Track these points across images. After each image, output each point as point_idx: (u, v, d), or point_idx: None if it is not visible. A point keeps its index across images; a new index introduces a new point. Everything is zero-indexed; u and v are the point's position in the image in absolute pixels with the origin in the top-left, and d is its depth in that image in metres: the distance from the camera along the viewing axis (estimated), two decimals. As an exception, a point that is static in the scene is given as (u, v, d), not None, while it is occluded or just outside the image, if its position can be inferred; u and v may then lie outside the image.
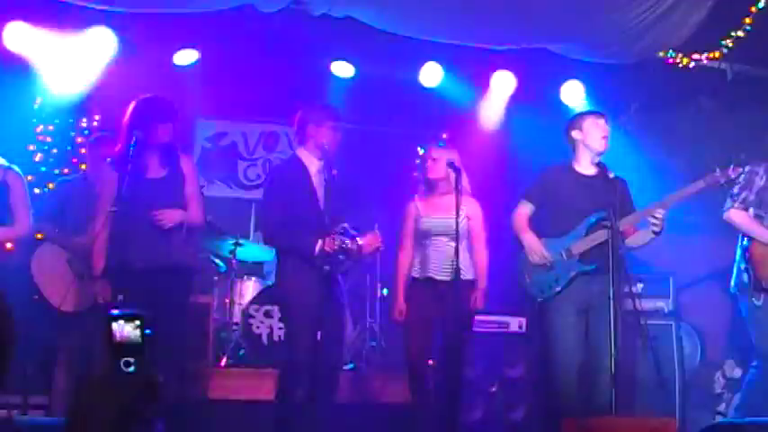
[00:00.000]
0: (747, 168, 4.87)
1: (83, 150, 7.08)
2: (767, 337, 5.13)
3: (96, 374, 4.00)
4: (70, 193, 5.72)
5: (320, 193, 4.87)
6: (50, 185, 6.73)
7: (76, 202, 5.62)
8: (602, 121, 5.04)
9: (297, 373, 4.72)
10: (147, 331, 3.29)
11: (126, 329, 3.30)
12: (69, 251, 5.54)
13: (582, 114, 5.18)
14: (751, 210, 5.20)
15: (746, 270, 5.16)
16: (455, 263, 4.94)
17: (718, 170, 4.83)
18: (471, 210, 5.35)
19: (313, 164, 4.94)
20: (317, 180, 4.90)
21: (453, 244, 5.02)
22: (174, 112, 4.90)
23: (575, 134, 5.08)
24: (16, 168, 5.13)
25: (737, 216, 5.21)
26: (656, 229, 4.85)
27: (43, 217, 5.70)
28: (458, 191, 5.04)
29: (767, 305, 5.10)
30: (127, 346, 3.28)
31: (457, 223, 4.98)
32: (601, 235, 4.83)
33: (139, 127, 4.77)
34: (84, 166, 6.87)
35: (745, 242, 5.21)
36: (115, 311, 3.34)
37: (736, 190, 5.21)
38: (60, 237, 5.59)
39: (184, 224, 4.81)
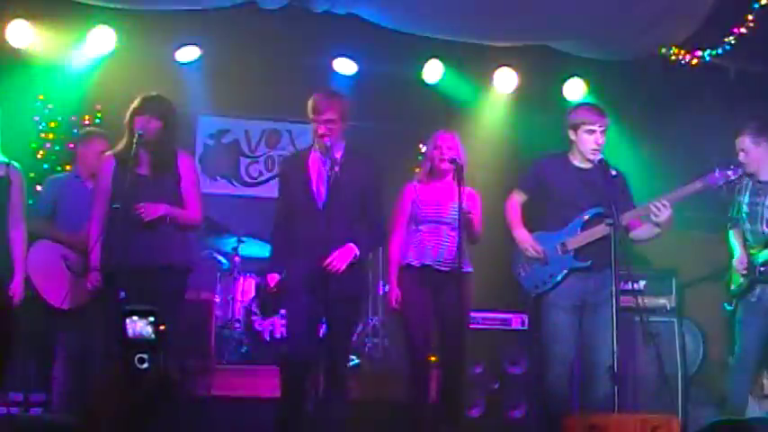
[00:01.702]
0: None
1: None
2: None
3: (111, 371, 3.99)
4: (62, 191, 5.71)
5: (317, 182, 4.74)
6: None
7: (69, 198, 5.61)
8: (595, 134, 4.88)
9: (294, 371, 4.65)
10: (162, 327, 3.27)
11: (139, 325, 3.28)
12: (66, 246, 5.53)
13: (579, 114, 4.99)
14: (748, 224, 5.47)
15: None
16: (456, 254, 4.90)
17: (717, 171, 4.84)
18: (472, 200, 5.33)
19: (316, 154, 4.82)
20: (316, 170, 4.78)
21: (452, 233, 5.00)
22: (166, 109, 4.87)
23: (570, 134, 5.00)
24: (16, 165, 5.13)
25: (731, 235, 5.57)
26: (655, 219, 4.79)
27: (36, 215, 5.70)
28: (460, 180, 5.01)
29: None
30: (140, 343, 3.26)
31: (460, 210, 4.94)
32: (598, 231, 4.79)
33: (132, 125, 4.78)
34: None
35: None
36: (128, 307, 3.33)
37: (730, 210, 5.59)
38: (55, 233, 5.59)
39: (167, 218, 4.77)
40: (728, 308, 5.60)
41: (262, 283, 4.95)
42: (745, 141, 5.39)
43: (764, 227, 5.45)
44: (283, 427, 4.65)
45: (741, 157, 5.35)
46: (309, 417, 4.68)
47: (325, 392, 4.67)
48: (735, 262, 5.44)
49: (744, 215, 5.46)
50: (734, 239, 5.54)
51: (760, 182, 5.41)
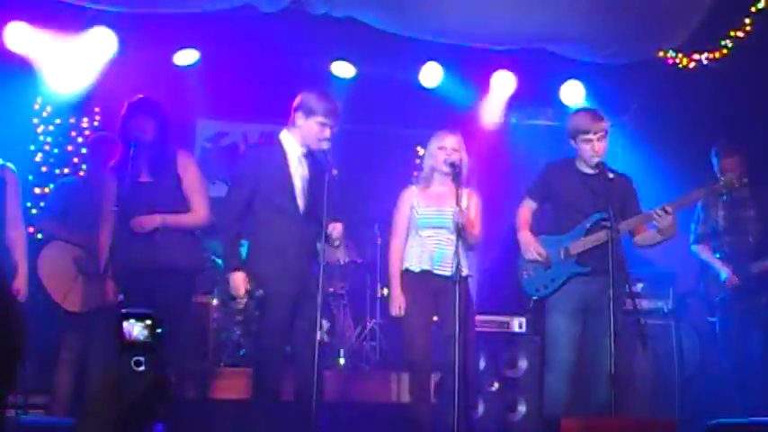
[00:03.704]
0: (701, 204, 5.11)
1: (84, 150, 7.09)
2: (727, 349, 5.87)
3: (106, 374, 4.00)
4: (71, 194, 5.73)
5: (298, 180, 4.68)
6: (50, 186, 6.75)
7: (77, 202, 5.64)
8: (592, 142, 4.87)
9: (268, 371, 4.65)
10: (158, 330, 3.29)
11: (136, 329, 3.30)
12: (78, 249, 5.55)
13: (576, 123, 4.97)
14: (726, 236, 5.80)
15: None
16: (456, 258, 4.88)
17: (721, 180, 4.87)
18: (471, 203, 5.25)
19: (295, 150, 4.71)
20: (295, 166, 4.70)
21: (453, 237, 4.96)
22: (156, 108, 4.86)
23: (571, 142, 5.00)
24: (11, 166, 5.14)
25: (698, 250, 6.00)
26: (658, 225, 4.80)
27: (47, 216, 5.73)
28: (459, 183, 5.00)
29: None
30: (137, 346, 3.28)
31: (459, 215, 4.91)
32: (600, 236, 4.80)
33: (126, 128, 4.78)
34: (85, 167, 6.89)
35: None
36: (125, 311, 3.34)
37: (693, 227, 5.94)
38: (68, 234, 5.61)
39: (159, 228, 4.75)
40: (712, 319, 5.95)
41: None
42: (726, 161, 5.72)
43: (750, 238, 5.55)
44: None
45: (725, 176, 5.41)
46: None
47: (298, 394, 4.64)
48: (726, 278, 5.74)
49: (721, 229, 5.60)
50: (706, 254, 5.90)
51: (741, 194, 5.50)
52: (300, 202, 4.66)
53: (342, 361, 6.70)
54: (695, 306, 6.23)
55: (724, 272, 5.78)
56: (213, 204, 5.15)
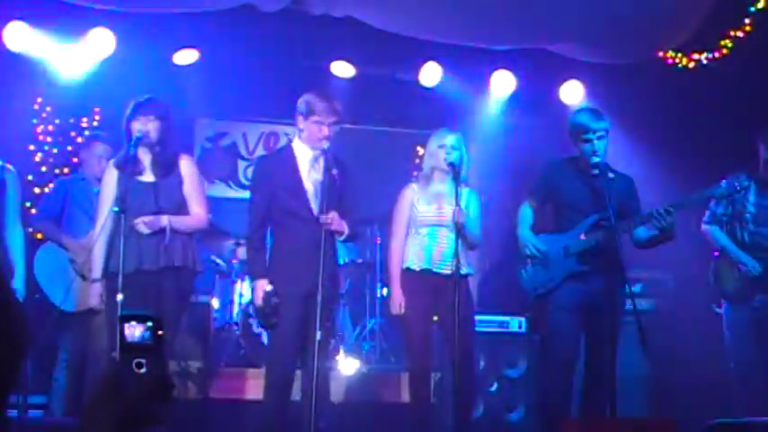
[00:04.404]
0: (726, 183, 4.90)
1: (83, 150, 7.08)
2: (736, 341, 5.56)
3: (107, 374, 3.99)
4: (69, 194, 5.73)
5: (309, 184, 4.73)
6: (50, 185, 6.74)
7: (75, 202, 5.64)
8: (591, 142, 4.89)
9: (281, 371, 4.67)
10: (160, 332, 3.29)
11: (138, 331, 3.30)
12: (69, 251, 5.55)
13: (575, 124, 5.00)
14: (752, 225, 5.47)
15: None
16: (456, 256, 4.88)
17: (725, 183, 4.84)
18: (472, 202, 5.26)
19: (305, 154, 4.77)
20: (307, 170, 4.75)
21: (452, 236, 4.98)
22: (162, 108, 4.86)
23: (572, 141, 5.01)
24: (11, 167, 5.14)
25: (711, 231, 5.60)
26: (659, 225, 4.79)
27: (44, 217, 5.72)
28: (458, 182, 5.00)
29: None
30: (139, 348, 3.28)
31: (459, 214, 4.91)
32: (600, 236, 4.82)
33: (131, 127, 4.78)
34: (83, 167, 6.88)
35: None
36: (126, 312, 3.34)
37: (712, 206, 5.55)
38: (60, 236, 5.60)
39: (167, 229, 4.76)
40: (719, 311, 5.65)
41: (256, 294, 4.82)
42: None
43: None
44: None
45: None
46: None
47: (305, 394, 4.63)
48: (743, 266, 5.44)
49: (747, 215, 5.45)
50: (723, 238, 5.53)
51: None
52: (314, 205, 4.69)
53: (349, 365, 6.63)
54: (699, 297, 6.14)
55: (744, 257, 5.43)
56: (213, 205, 5.16)
